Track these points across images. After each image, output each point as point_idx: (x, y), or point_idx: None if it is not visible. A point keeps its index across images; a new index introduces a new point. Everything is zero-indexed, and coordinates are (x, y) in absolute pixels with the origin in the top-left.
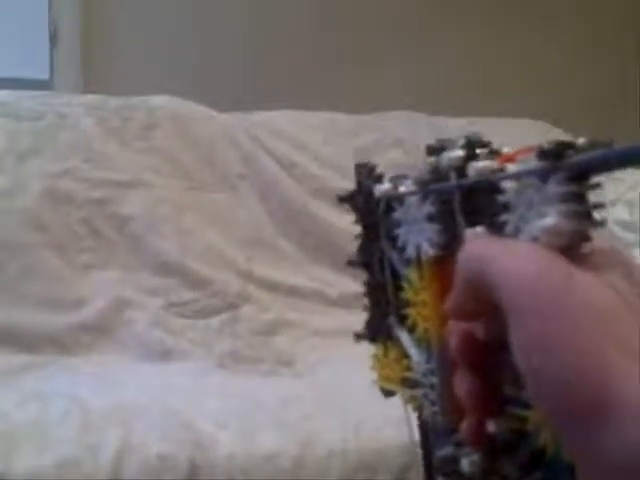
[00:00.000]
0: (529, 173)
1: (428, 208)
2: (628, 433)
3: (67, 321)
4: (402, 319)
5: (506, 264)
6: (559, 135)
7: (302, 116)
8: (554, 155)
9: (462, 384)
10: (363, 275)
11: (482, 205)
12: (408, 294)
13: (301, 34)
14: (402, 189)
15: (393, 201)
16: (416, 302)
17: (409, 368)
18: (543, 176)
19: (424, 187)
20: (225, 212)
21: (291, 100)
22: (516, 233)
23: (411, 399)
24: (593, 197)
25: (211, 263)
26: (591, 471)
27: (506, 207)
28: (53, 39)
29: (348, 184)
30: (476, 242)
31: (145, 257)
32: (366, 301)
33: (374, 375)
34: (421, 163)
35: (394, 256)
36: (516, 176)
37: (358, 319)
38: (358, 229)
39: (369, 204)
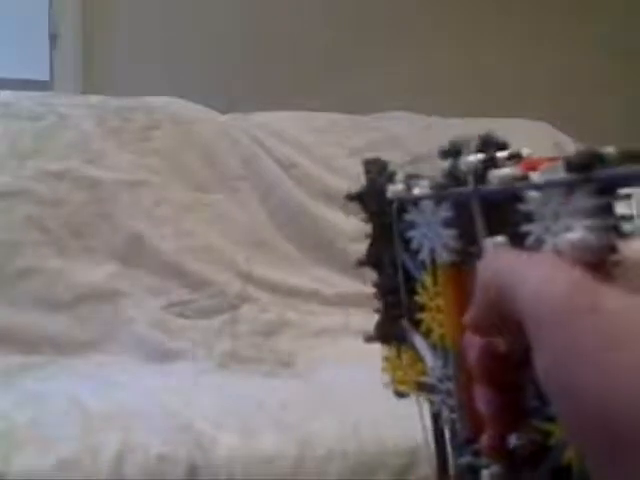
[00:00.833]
0: (555, 185)
1: (444, 213)
2: None
3: (67, 321)
4: (416, 323)
5: (530, 283)
6: (559, 136)
7: (302, 117)
8: (582, 167)
9: (482, 399)
10: (372, 275)
11: (502, 213)
12: (422, 298)
13: (301, 35)
14: (416, 191)
15: (406, 203)
16: (431, 307)
17: (424, 372)
18: (570, 188)
19: (441, 191)
20: (225, 213)
21: (291, 101)
22: (539, 244)
23: (429, 403)
24: (620, 208)
25: (211, 263)
26: None
27: (528, 217)
28: (53, 39)
29: (348, 185)
30: (499, 256)
31: (145, 257)
32: (376, 302)
33: (385, 377)
34: (430, 165)
35: (407, 258)
36: (542, 186)
37: (358, 319)
38: (367, 228)
39: (380, 204)
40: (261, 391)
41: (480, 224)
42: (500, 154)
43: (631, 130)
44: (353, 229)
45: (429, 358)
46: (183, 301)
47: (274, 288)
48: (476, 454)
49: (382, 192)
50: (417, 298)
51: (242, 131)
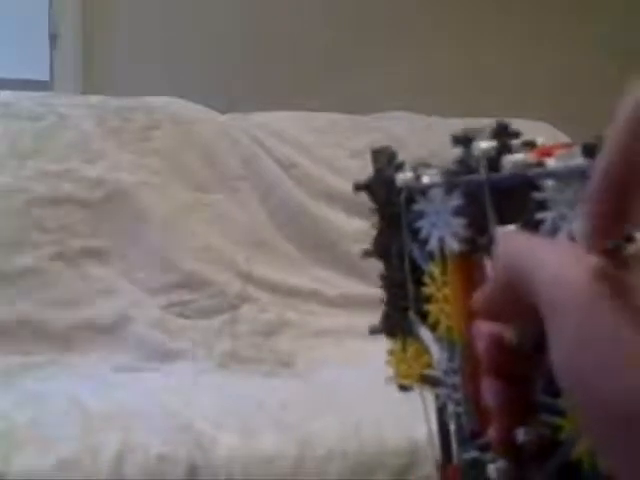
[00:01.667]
0: (572, 171)
1: (455, 201)
2: None
3: (67, 321)
4: (423, 315)
5: (547, 270)
6: (559, 136)
7: (302, 117)
8: (600, 151)
9: (490, 391)
10: (376, 270)
11: (514, 201)
12: (430, 289)
13: (301, 35)
14: (426, 179)
15: (415, 192)
16: (438, 298)
17: (429, 365)
18: (587, 174)
19: (452, 179)
20: (225, 213)
21: (291, 101)
22: (554, 231)
23: (434, 397)
24: None
25: (211, 263)
26: None
27: (542, 205)
28: (53, 39)
29: (348, 185)
30: (517, 238)
31: (145, 257)
32: (382, 294)
33: (389, 370)
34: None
35: (415, 249)
36: (557, 173)
37: (358, 319)
38: (374, 219)
39: (389, 193)
40: (261, 391)
41: (491, 212)
42: (514, 141)
43: None
44: (354, 229)
45: (435, 350)
46: (183, 301)
47: (274, 288)
48: (482, 449)
49: (390, 181)
50: (424, 289)
51: (242, 131)
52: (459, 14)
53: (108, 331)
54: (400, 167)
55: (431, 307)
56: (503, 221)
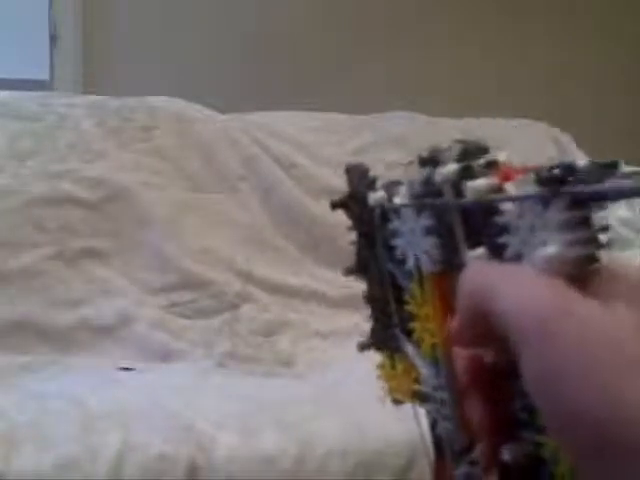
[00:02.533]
0: (528, 198)
1: (424, 221)
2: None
3: (67, 321)
4: (408, 332)
5: (510, 296)
6: (559, 136)
7: (302, 117)
8: (554, 182)
9: (472, 410)
10: (361, 283)
11: (480, 225)
12: (412, 307)
13: (301, 35)
14: (397, 199)
15: (388, 211)
16: (420, 316)
17: (418, 381)
18: (543, 201)
19: (418, 201)
20: (225, 213)
21: (291, 101)
22: (518, 257)
23: (425, 412)
24: (598, 218)
25: (211, 263)
26: None
27: (505, 229)
28: (53, 39)
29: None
30: (478, 269)
31: (145, 257)
32: (368, 310)
33: (381, 385)
34: (410, 172)
35: (393, 267)
36: (514, 200)
37: (358, 320)
38: (353, 236)
39: (363, 211)
40: (261, 391)
41: (460, 235)
42: (477, 162)
43: (631, 130)
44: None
45: (422, 367)
46: (183, 301)
47: (274, 288)
48: (473, 463)
49: (364, 199)
50: (407, 307)
51: (242, 131)
52: (459, 14)
53: (108, 331)
54: (372, 185)
55: (415, 325)
56: (473, 242)
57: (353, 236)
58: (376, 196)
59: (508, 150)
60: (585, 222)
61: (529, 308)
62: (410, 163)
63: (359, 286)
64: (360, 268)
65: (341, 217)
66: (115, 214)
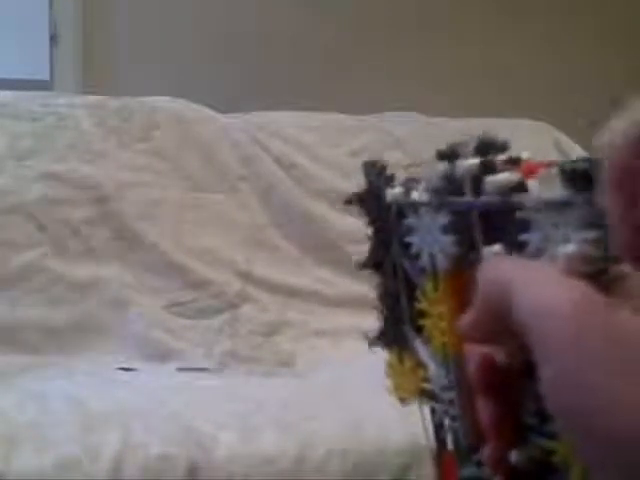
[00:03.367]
0: (552, 200)
1: (443, 219)
2: None
3: (67, 321)
4: (418, 329)
5: (530, 294)
6: (559, 136)
7: (302, 117)
8: (580, 178)
9: (482, 410)
10: (373, 278)
11: (500, 220)
12: (423, 305)
13: (301, 35)
14: (415, 195)
15: (405, 207)
16: (432, 314)
17: (426, 379)
18: (568, 202)
19: (438, 197)
20: (225, 213)
21: (291, 101)
22: (538, 253)
23: (431, 412)
24: None
25: (211, 263)
26: None
27: (526, 225)
28: (53, 39)
29: (348, 185)
30: (496, 264)
31: (145, 257)
32: (378, 305)
33: (388, 383)
34: (429, 167)
35: (407, 263)
36: (540, 202)
37: (358, 319)
38: (368, 231)
39: (379, 207)
40: (261, 391)
41: (478, 232)
42: (498, 158)
43: None
44: (354, 229)
45: (431, 366)
46: (183, 301)
47: (274, 288)
48: (479, 464)
49: (381, 196)
50: (418, 304)
51: (242, 131)
52: (459, 14)
53: (108, 331)
54: (390, 180)
55: (425, 322)
56: (491, 239)
57: (364, 232)
58: (394, 192)
59: (527, 154)
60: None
61: (550, 308)
62: (410, 165)
63: (359, 286)
64: (374, 264)
65: (341, 217)
66: (115, 214)
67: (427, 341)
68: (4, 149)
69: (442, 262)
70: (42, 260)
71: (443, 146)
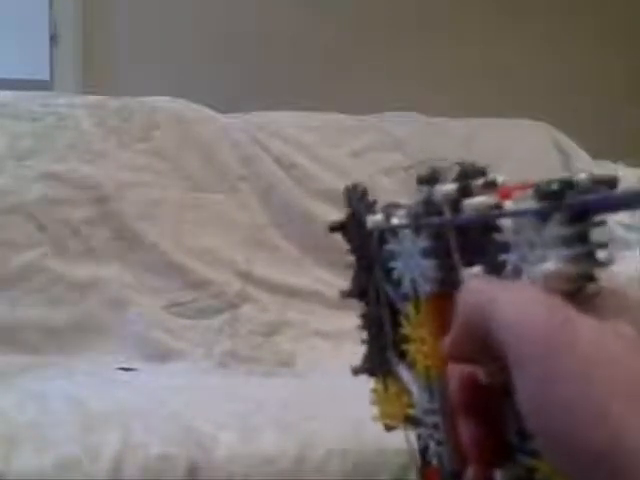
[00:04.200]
0: (527, 213)
1: (422, 242)
2: None
3: (67, 321)
4: (402, 354)
5: (508, 313)
6: (559, 136)
7: (302, 117)
8: (553, 195)
9: (464, 430)
10: (358, 307)
11: (479, 243)
12: (406, 330)
13: (301, 35)
14: (395, 221)
15: (386, 233)
16: (414, 338)
17: (410, 405)
18: (542, 216)
19: (417, 221)
20: (225, 213)
21: (291, 101)
22: (516, 274)
23: (416, 437)
24: (596, 235)
25: (211, 263)
26: None
27: (505, 246)
28: (53, 39)
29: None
30: (476, 285)
31: (145, 257)
32: (363, 334)
33: (375, 410)
34: (413, 192)
35: (389, 289)
36: (514, 215)
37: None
38: (351, 259)
39: (361, 234)
40: (261, 391)
41: (457, 254)
42: (475, 182)
43: (632, 130)
44: None
45: (415, 390)
46: (183, 301)
47: (274, 288)
48: None
49: (362, 222)
50: (401, 329)
51: (242, 131)
52: (459, 14)
53: (108, 331)
54: (371, 206)
55: (408, 347)
56: (470, 262)
57: (350, 259)
58: (374, 219)
59: (503, 179)
60: (584, 238)
61: (526, 324)
62: (410, 167)
63: None
64: (357, 291)
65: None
66: (115, 214)
67: (411, 366)
68: (4, 149)
69: (423, 286)
70: (42, 260)
71: (443, 146)
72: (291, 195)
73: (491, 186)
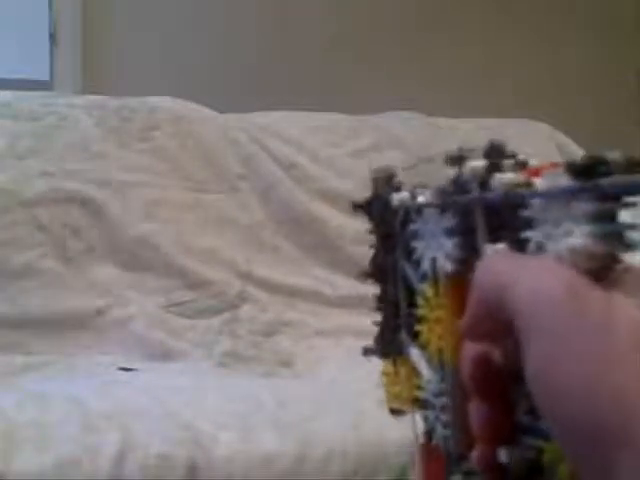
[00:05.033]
0: (558, 190)
1: (448, 221)
2: None
3: (67, 321)
4: (415, 335)
5: (523, 282)
6: (559, 137)
7: (302, 117)
8: (585, 172)
9: (474, 412)
10: (375, 286)
11: (505, 220)
12: (423, 310)
13: (301, 35)
14: (420, 199)
15: (411, 212)
16: (430, 319)
17: (419, 387)
18: (572, 193)
19: (444, 199)
20: (225, 213)
21: (291, 101)
22: (539, 251)
23: (423, 420)
24: (626, 216)
25: (211, 263)
26: None
27: (530, 223)
28: (53, 39)
29: (348, 185)
30: (494, 258)
31: (145, 257)
32: (378, 315)
33: (382, 393)
34: (428, 167)
35: (409, 270)
36: (544, 192)
37: (358, 319)
38: (373, 238)
39: (385, 213)
40: (261, 391)
41: (482, 234)
42: (506, 161)
43: (632, 130)
44: (354, 229)
45: (426, 372)
46: (183, 301)
47: (274, 288)
48: (467, 474)
49: (388, 202)
50: (417, 310)
51: (242, 131)
52: (459, 15)
53: (108, 331)
54: (398, 188)
55: (422, 327)
56: (495, 240)
57: (370, 239)
58: (400, 196)
59: (535, 161)
60: (613, 217)
61: (539, 296)
62: (410, 167)
63: (359, 286)
64: (377, 272)
65: (341, 217)
66: (115, 214)
67: (423, 347)
68: (4, 149)
69: (445, 266)
70: (42, 259)
71: (443, 146)
72: (291, 195)
73: (521, 165)
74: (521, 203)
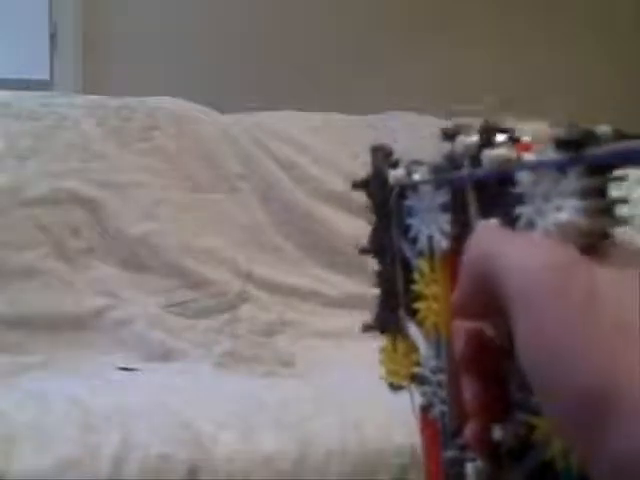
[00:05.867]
0: (546, 164)
1: (442, 197)
2: (631, 427)
3: (66, 321)
4: (413, 312)
5: (511, 255)
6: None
7: (302, 117)
8: (574, 145)
9: (467, 388)
10: (373, 263)
11: (496, 196)
12: (419, 286)
13: (301, 35)
14: (416, 176)
15: (407, 189)
16: (427, 295)
17: (418, 363)
18: (561, 167)
19: (437, 175)
20: (225, 213)
21: (291, 101)
22: (530, 226)
23: (421, 395)
24: (616, 191)
25: (211, 263)
26: (600, 471)
27: (520, 199)
28: (53, 39)
29: (348, 185)
30: (482, 233)
31: (145, 257)
32: (376, 291)
33: (381, 369)
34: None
35: (406, 246)
36: (531, 167)
37: (358, 319)
38: (371, 216)
39: (383, 191)
40: (261, 391)
41: (473, 208)
42: (498, 137)
43: (631, 131)
44: (353, 229)
45: (423, 348)
46: (183, 301)
47: (274, 288)
48: (462, 448)
49: (385, 179)
50: (414, 286)
51: (242, 131)
52: (459, 15)
53: (108, 331)
54: (396, 165)
55: (420, 304)
56: (486, 216)
57: (371, 216)
58: (396, 173)
59: (527, 138)
60: (602, 192)
61: (526, 268)
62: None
63: (359, 286)
64: (375, 248)
65: (341, 217)
66: (115, 214)
67: (421, 324)
68: (4, 149)
69: (440, 242)
70: (42, 259)
71: (443, 146)
72: (291, 195)
73: (515, 141)
74: (511, 179)
